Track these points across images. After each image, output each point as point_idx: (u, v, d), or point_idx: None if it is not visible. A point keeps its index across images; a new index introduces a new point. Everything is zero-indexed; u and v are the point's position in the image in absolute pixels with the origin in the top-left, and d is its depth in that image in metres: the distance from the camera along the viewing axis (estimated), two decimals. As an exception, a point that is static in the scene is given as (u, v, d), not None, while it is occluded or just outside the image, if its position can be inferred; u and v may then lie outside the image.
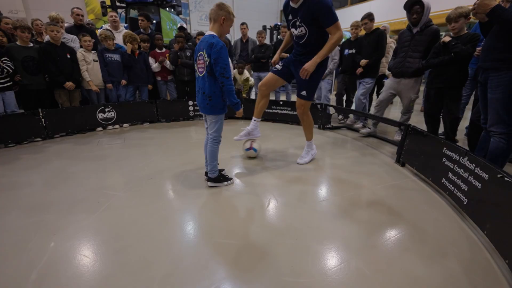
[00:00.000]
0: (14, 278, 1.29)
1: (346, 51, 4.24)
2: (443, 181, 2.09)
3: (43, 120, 3.52)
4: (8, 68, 3.23)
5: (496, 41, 1.96)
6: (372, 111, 3.71)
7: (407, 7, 3.01)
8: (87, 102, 4.19)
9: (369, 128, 3.79)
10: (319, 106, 4.16)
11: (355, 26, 3.99)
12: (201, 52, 1.98)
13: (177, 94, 4.76)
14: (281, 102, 4.50)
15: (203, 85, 2.03)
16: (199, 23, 15.41)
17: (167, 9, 8.20)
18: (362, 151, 3.25)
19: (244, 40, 5.34)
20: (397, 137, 3.46)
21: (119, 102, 4.23)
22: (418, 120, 4.41)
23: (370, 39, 3.76)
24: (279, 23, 11.19)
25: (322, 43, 2.33)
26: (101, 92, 4.11)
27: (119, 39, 4.36)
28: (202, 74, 2.03)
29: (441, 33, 3.16)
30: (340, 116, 4.73)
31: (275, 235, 1.63)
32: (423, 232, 1.67)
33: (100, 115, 4.01)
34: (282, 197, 2.10)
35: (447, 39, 2.70)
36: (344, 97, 4.69)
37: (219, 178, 2.27)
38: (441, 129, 3.22)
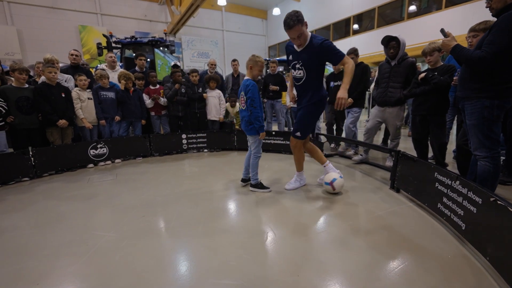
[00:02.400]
0: None
1: (332, 83, 4.51)
2: (439, 206, 2.10)
3: (32, 159, 3.45)
4: (1, 109, 3.24)
5: (466, 72, 2.13)
6: (362, 138, 3.82)
7: (384, 42, 3.29)
8: (79, 139, 4.17)
9: (361, 155, 3.87)
10: (310, 135, 4.26)
11: None
12: (242, 92, 2.71)
13: (170, 128, 4.81)
14: (273, 133, 4.59)
15: (246, 115, 2.71)
16: (191, 60, 16.18)
17: (161, 48, 8.66)
18: (356, 178, 3.28)
19: (236, 75, 5.62)
20: (389, 163, 3.52)
21: (112, 137, 4.23)
22: (408, 146, 4.54)
23: (355, 72, 3.97)
24: (267, 59, 11.88)
25: (317, 85, 2.58)
26: (94, 129, 4.12)
27: (114, 78, 4.50)
28: (244, 108, 2.72)
29: (417, 63, 3.44)
30: (332, 145, 4.82)
31: (276, 272, 1.55)
32: (427, 261, 1.63)
33: (92, 152, 3.96)
34: (278, 229, 2.05)
35: (423, 75, 2.93)
36: (334, 126, 4.86)
37: (258, 185, 2.85)
38: (430, 153, 3.32)
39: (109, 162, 4.14)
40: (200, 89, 4.76)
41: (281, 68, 10.52)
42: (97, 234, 2.04)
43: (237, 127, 5.04)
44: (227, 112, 5.32)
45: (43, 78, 3.95)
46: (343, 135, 4.45)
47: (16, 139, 3.58)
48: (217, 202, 2.62)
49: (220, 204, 2.58)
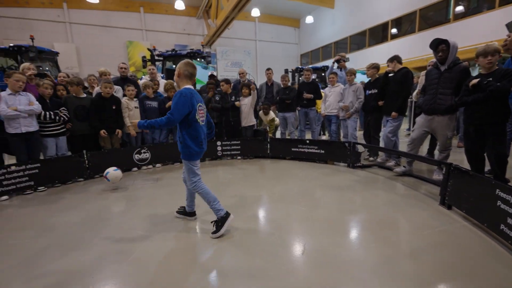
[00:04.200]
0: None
1: (367, 91, 4.35)
2: (502, 227, 1.86)
3: (87, 161, 3.83)
4: (65, 117, 3.67)
5: None
6: (406, 149, 3.56)
7: (433, 46, 3.06)
8: (125, 145, 4.52)
9: (404, 166, 3.59)
10: (347, 144, 4.10)
11: (372, 67, 4.26)
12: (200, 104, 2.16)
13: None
14: (307, 141, 4.51)
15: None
16: (225, 69, 16.76)
17: (198, 59, 9.13)
18: (399, 192, 3.05)
19: (270, 84, 5.67)
20: (437, 176, 3.23)
21: (154, 144, 4.50)
22: (457, 158, 4.13)
23: (396, 78, 3.83)
24: (300, 66, 11.84)
25: None
26: (138, 135, 4.43)
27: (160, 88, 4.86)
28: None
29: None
30: (367, 155, 4.58)
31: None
32: (489, 291, 1.44)
33: (136, 156, 4.27)
34: (312, 244, 1.97)
35: (475, 81, 2.65)
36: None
37: (219, 221, 2.11)
38: (487, 167, 2.97)
39: (150, 166, 4.41)
40: (233, 97, 4.87)
41: (314, 76, 10.37)
42: (142, 234, 2.16)
43: (270, 134, 5.06)
44: (260, 120, 5.37)
45: (97, 89, 4.38)
46: (381, 145, 4.20)
47: (73, 143, 4.00)
48: (249, 207, 2.63)
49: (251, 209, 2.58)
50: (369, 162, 4.31)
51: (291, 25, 18.95)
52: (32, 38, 7.55)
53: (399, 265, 1.68)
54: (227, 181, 3.64)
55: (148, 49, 9.01)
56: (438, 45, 3.02)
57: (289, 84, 5.43)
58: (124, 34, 14.04)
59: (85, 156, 3.83)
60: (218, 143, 4.80)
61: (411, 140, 3.43)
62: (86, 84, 5.65)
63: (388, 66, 3.98)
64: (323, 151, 4.30)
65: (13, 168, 3.18)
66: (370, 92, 4.30)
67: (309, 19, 16.02)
